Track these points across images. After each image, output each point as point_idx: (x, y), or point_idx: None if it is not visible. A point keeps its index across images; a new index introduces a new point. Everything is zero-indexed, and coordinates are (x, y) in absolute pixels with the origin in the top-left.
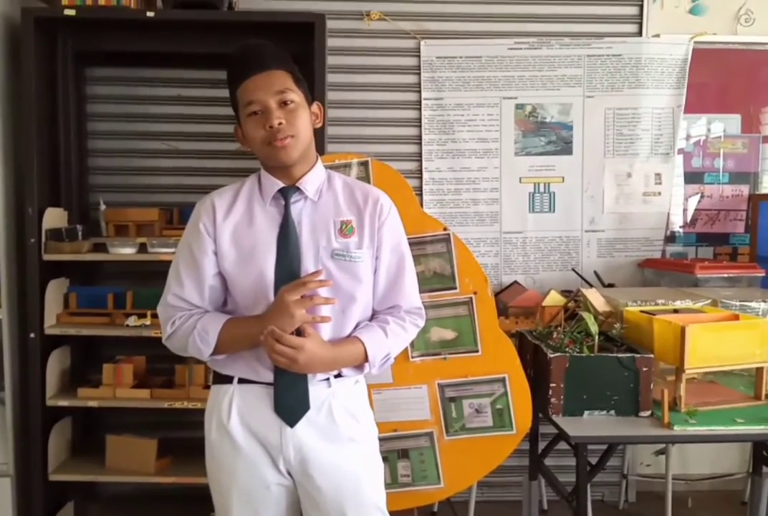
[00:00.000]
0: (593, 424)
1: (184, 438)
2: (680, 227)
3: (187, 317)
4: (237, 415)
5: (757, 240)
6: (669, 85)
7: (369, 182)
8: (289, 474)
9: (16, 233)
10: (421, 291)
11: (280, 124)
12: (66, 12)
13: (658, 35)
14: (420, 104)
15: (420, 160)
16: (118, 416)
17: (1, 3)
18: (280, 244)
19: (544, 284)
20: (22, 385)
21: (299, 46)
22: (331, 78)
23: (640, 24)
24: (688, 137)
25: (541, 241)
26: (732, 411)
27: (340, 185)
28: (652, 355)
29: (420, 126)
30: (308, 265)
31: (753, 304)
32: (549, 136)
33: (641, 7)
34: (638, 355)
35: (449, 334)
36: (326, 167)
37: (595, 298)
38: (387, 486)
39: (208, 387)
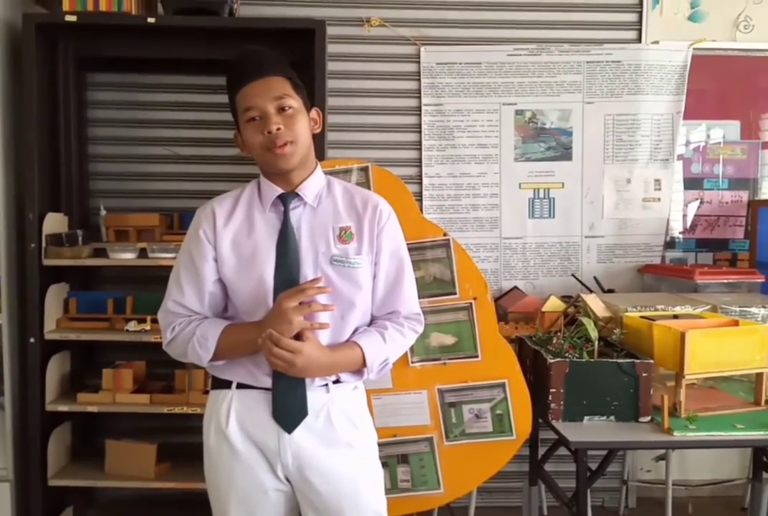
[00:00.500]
0: (593, 430)
1: (183, 443)
2: (680, 233)
3: (187, 323)
4: (235, 421)
5: (757, 246)
6: (668, 91)
7: (369, 188)
8: (288, 480)
9: (16, 238)
10: (421, 296)
11: (278, 129)
12: (67, 18)
13: (657, 42)
14: (420, 110)
15: (420, 166)
16: (118, 421)
17: (3, 9)
18: (279, 250)
19: (544, 290)
20: (22, 389)
21: (300, 53)
22: (331, 84)
23: (640, 31)
24: (687, 143)
25: (540, 247)
26: (732, 417)
27: (340, 191)
28: (651, 361)
29: (420, 132)
30: (307, 271)
31: (753, 310)
32: (549, 141)
33: (640, 13)
34: (638, 361)
35: (449, 340)
36: (326, 173)
37: (595, 303)
38: (387, 491)
39: (207, 392)
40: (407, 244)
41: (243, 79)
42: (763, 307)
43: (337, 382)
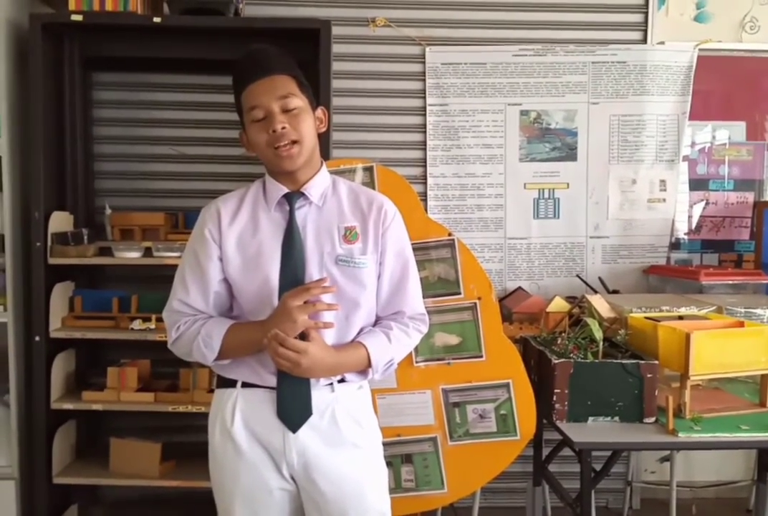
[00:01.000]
0: (597, 431)
1: (188, 442)
2: (685, 234)
3: (192, 322)
4: (240, 419)
5: (762, 247)
6: (674, 92)
7: (374, 188)
8: (293, 479)
9: (22, 237)
10: (425, 296)
11: (283, 128)
12: (73, 17)
13: (663, 42)
14: (425, 110)
15: (425, 166)
16: (123, 420)
17: (9, 9)
18: (284, 250)
19: (549, 290)
20: (27, 388)
21: (305, 52)
22: (336, 84)
23: (645, 31)
24: (693, 144)
25: (545, 247)
26: (737, 418)
27: (345, 191)
28: (656, 362)
29: (425, 132)
30: (312, 270)
31: (758, 311)
32: (554, 142)
33: (646, 14)
34: (643, 362)
35: (453, 340)
36: (331, 173)
37: (600, 304)
38: (391, 491)
39: (212, 391)
40: (412, 243)
41: (248, 77)
42: None
43: (342, 381)
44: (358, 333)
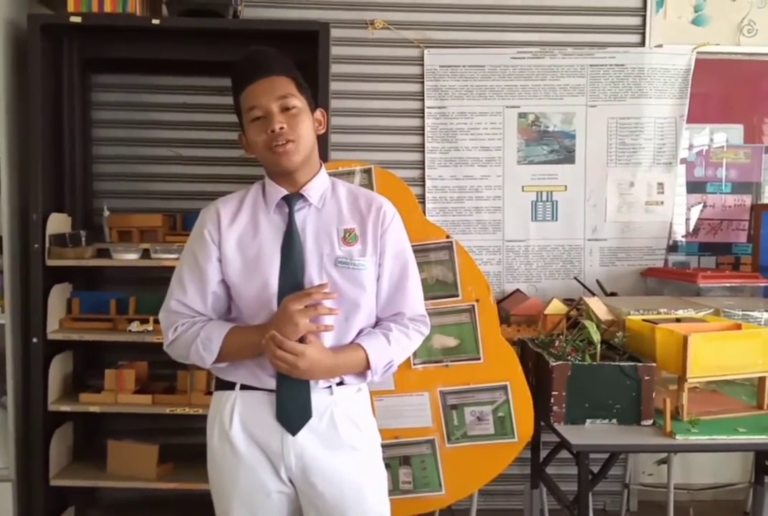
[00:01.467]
0: (595, 433)
1: (185, 444)
2: (683, 236)
3: (190, 325)
4: (239, 422)
5: (760, 250)
6: (672, 95)
7: (372, 190)
8: (291, 482)
9: (20, 238)
10: (423, 298)
11: (281, 128)
12: (72, 19)
13: (660, 45)
14: (423, 112)
15: (423, 168)
16: (120, 422)
17: (8, 10)
18: (284, 252)
19: (547, 292)
20: (24, 389)
21: (303, 55)
22: (334, 86)
23: (643, 34)
24: (690, 147)
25: (543, 250)
26: (734, 420)
27: (344, 192)
28: (654, 364)
29: (423, 134)
30: (312, 272)
31: (755, 314)
32: (551, 144)
33: (644, 17)
34: (640, 364)
35: (451, 342)
36: (329, 175)
37: (598, 306)
38: (388, 493)
39: (209, 393)
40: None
41: (247, 78)
42: (766, 311)
43: (340, 384)
44: (358, 334)
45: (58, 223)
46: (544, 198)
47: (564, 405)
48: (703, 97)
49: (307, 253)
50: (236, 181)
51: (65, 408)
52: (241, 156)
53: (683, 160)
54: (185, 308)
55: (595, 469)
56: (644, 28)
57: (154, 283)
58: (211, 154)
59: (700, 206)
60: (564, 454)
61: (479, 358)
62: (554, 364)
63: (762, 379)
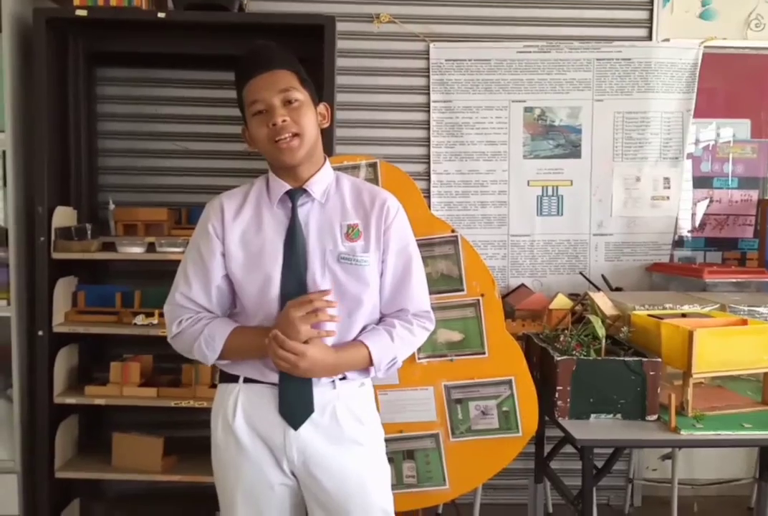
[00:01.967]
0: (599, 428)
1: (190, 437)
2: (689, 232)
3: (195, 321)
4: (242, 415)
5: (766, 245)
6: (679, 89)
7: (377, 184)
8: (293, 474)
9: (25, 232)
10: (428, 292)
11: (284, 121)
12: (78, 12)
13: (667, 39)
14: (429, 107)
15: (428, 163)
16: (125, 414)
17: (13, 3)
18: (287, 248)
19: (552, 287)
20: (30, 382)
21: (309, 48)
22: (340, 80)
23: (650, 28)
24: (697, 142)
25: (548, 244)
26: (739, 416)
27: (348, 187)
28: (659, 359)
29: (428, 128)
30: (315, 268)
31: (761, 309)
32: (557, 139)
33: (651, 11)
34: (645, 359)
35: (456, 336)
36: (335, 169)
37: (603, 301)
38: (392, 487)
39: (214, 386)
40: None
41: (249, 72)
42: None
43: (343, 378)
44: (362, 331)
45: (63, 216)
46: (550, 193)
47: (569, 400)
48: (710, 91)
49: (309, 249)
50: (242, 174)
51: (70, 401)
52: (245, 150)
53: (690, 155)
54: (189, 302)
55: (600, 463)
56: (651, 22)
57: (159, 277)
58: (217, 147)
59: (707, 201)
60: (568, 448)
61: (484, 353)
62: (559, 358)
63: (767, 375)
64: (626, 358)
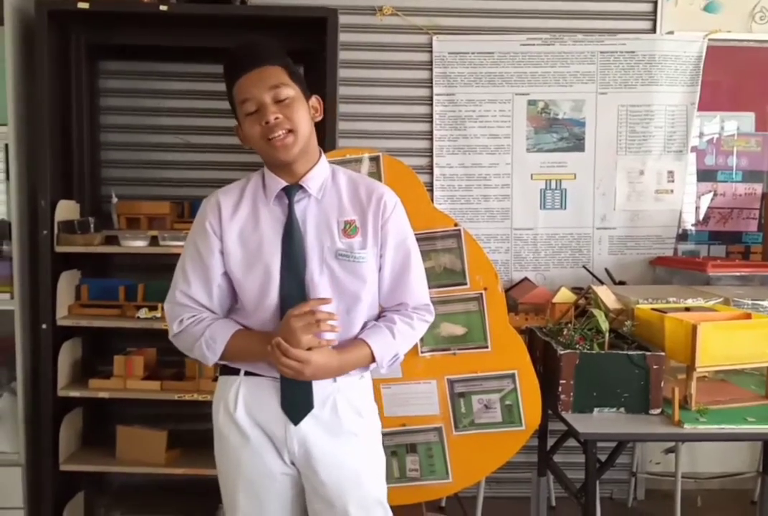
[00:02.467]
0: (603, 421)
1: (193, 430)
2: (692, 225)
3: (197, 321)
4: (243, 406)
5: None
6: (683, 82)
7: (380, 178)
8: (293, 464)
9: (28, 225)
10: (431, 286)
11: (276, 118)
12: (80, 5)
13: (672, 32)
14: (431, 100)
15: (431, 156)
16: (129, 407)
17: None
18: (284, 245)
19: (555, 281)
20: (34, 375)
21: (311, 41)
22: (342, 73)
23: (654, 21)
24: (701, 135)
25: (552, 238)
26: (743, 410)
27: (345, 182)
28: (662, 353)
29: (431, 122)
30: (313, 265)
31: (765, 303)
32: (561, 132)
33: (655, 3)
34: (649, 353)
35: (459, 330)
36: (337, 163)
37: (606, 295)
38: (395, 480)
39: (217, 379)
40: (417, 234)
41: (238, 70)
42: None
43: None
44: (363, 328)
45: (66, 209)
46: (553, 186)
47: (572, 393)
48: (715, 84)
49: (308, 246)
50: (244, 168)
51: (74, 394)
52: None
53: (694, 148)
54: (190, 300)
55: (603, 457)
56: (655, 15)
57: (162, 270)
58: (219, 141)
59: (711, 195)
60: (571, 442)
61: (487, 347)
62: (562, 352)
63: None
64: (629, 352)
